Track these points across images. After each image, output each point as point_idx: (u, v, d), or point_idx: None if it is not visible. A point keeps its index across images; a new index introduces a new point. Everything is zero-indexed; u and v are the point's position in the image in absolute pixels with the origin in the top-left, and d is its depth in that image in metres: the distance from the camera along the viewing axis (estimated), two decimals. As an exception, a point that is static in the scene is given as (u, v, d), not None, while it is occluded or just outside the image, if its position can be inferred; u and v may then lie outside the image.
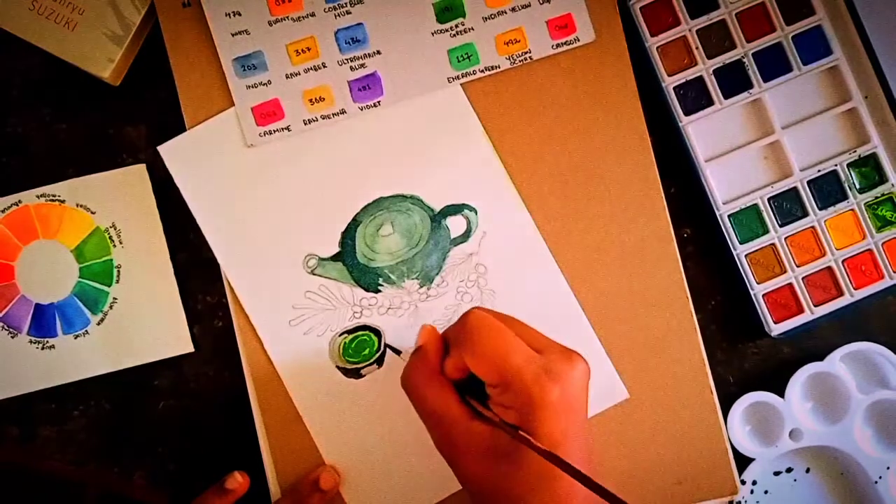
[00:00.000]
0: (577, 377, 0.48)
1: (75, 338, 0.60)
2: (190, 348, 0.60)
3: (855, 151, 0.60)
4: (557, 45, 0.60)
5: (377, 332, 0.59)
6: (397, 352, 0.58)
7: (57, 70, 0.60)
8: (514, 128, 0.59)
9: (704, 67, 0.60)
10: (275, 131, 0.59)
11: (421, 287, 0.59)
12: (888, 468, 0.60)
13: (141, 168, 0.60)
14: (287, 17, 0.59)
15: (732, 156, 0.60)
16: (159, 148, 0.59)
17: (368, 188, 0.59)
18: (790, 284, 0.59)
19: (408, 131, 0.59)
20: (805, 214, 0.60)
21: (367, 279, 0.59)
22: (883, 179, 0.60)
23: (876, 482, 0.60)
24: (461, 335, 0.50)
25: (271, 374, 0.59)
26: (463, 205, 0.59)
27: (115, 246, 0.60)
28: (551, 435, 0.46)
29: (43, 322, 0.60)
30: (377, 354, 0.59)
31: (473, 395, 0.50)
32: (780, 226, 0.60)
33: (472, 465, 0.49)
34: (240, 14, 0.58)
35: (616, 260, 0.59)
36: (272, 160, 0.59)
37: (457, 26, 0.59)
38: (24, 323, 0.60)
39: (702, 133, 0.60)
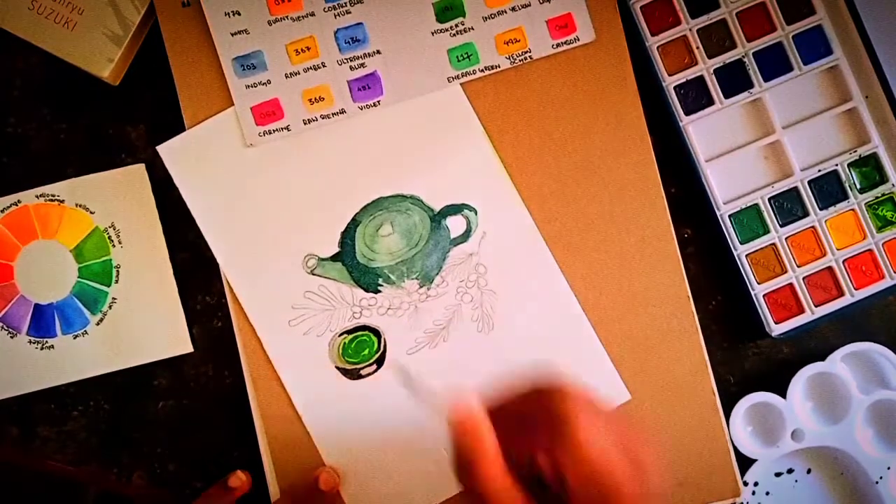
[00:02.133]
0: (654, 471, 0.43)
1: (74, 338, 0.59)
2: (189, 348, 0.60)
3: (855, 151, 0.60)
4: (557, 45, 0.59)
5: (377, 333, 0.59)
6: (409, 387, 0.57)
7: (57, 70, 0.60)
8: (514, 127, 0.59)
9: (705, 67, 0.60)
10: (274, 131, 0.59)
11: (421, 287, 0.59)
12: (889, 468, 0.60)
13: (140, 168, 0.60)
14: (286, 17, 0.59)
15: (733, 156, 0.60)
16: (158, 147, 0.59)
17: (368, 188, 0.59)
18: (791, 284, 0.59)
19: (407, 131, 0.59)
20: (805, 214, 0.60)
21: (367, 279, 0.59)
22: (883, 179, 0.60)
23: (877, 482, 0.60)
24: (552, 424, 0.41)
25: (271, 374, 0.59)
26: (462, 205, 0.59)
27: (114, 246, 0.60)
28: None
29: (42, 322, 0.59)
30: (377, 355, 0.59)
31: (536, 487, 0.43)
32: (781, 226, 0.59)
33: None
34: (239, 13, 0.58)
35: (616, 260, 0.59)
36: (271, 160, 0.59)
37: (457, 26, 0.59)
38: (23, 323, 0.60)
39: (702, 133, 0.60)
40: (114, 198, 0.60)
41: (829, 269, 0.60)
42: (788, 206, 0.60)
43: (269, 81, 0.59)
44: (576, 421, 0.41)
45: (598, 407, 0.42)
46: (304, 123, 0.59)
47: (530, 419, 0.43)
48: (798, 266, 0.59)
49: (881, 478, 0.60)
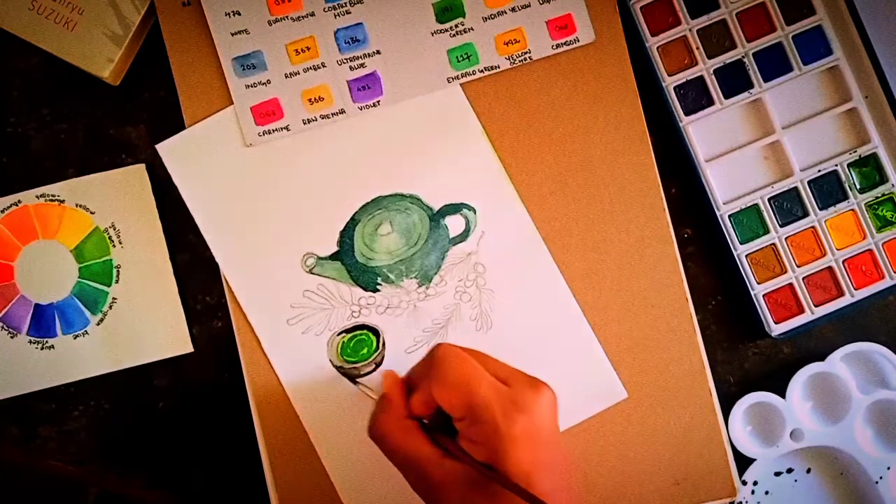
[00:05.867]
0: (544, 406, 0.48)
1: (75, 338, 0.60)
2: (189, 348, 0.60)
3: (855, 151, 0.60)
4: (557, 46, 0.59)
5: (376, 332, 0.59)
6: (355, 382, 0.58)
7: (57, 70, 0.60)
8: (514, 128, 0.59)
9: (705, 67, 0.60)
10: (274, 131, 0.59)
11: (420, 286, 0.59)
12: (889, 468, 0.60)
13: (140, 168, 0.60)
14: (286, 17, 0.59)
15: (733, 156, 0.60)
16: (158, 146, 0.59)
17: (367, 187, 0.59)
18: (790, 284, 0.59)
19: (407, 131, 0.59)
20: (805, 214, 0.60)
21: (366, 278, 0.59)
22: (883, 179, 0.60)
23: (877, 482, 0.60)
24: (429, 368, 0.50)
25: (270, 373, 0.59)
26: (462, 204, 0.59)
27: (114, 246, 0.60)
28: (519, 466, 0.46)
29: (42, 322, 0.60)
30: (375, 354, 0.59)
31: (441, 433, 0.50)
32: (781, 226, 0.59)
33: (452, 502, 0.49)
34: (239, 13, 0.58)
35: (616, 260, 0.59)
36: (271, 159, 0.59)
37: (456, 26, 0.59)
38: (23, 323, 0.60)
39: (702, 133, 0.60)
40: (114, 198, 0.60)
41: (829, 269, 0.59)
42: (788, 206, 0.60)
43: (268, 81, 0.59)
44: (444, 358, 0.49)
45: (469, 351, 0.50)
46: (304, 123, 0.59)
47: (422, 375, 0.50)
48: (798, 266, 0.59)
49: (881, 478, 0.60)
